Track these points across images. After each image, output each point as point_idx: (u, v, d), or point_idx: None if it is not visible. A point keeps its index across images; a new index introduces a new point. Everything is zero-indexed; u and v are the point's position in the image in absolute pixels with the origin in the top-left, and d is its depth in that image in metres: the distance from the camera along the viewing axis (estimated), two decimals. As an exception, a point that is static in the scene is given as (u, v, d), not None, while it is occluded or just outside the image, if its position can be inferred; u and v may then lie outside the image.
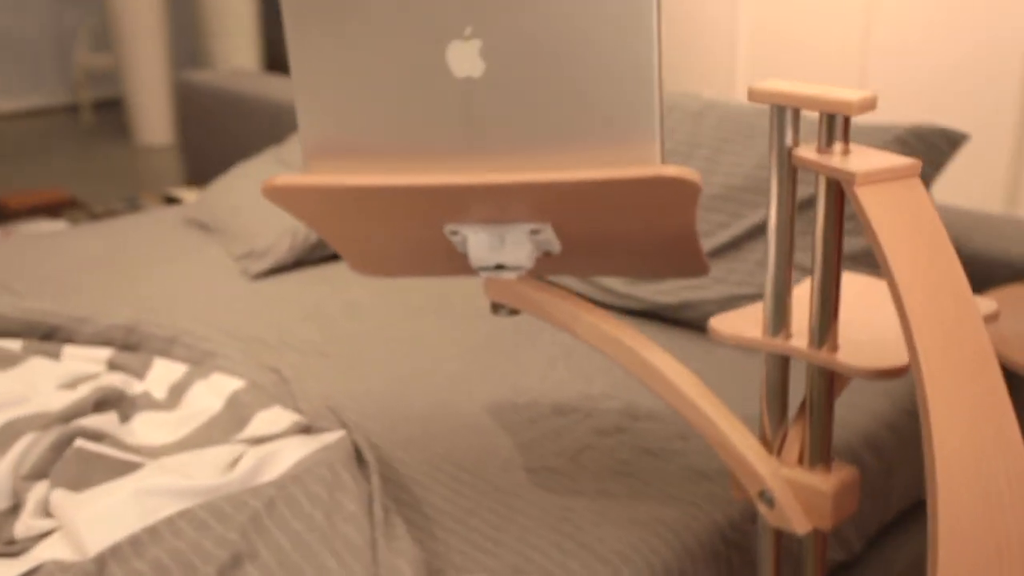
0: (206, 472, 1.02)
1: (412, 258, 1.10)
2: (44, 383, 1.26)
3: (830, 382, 0.89)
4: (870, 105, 0.78)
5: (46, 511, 0.98)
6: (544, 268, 1.11)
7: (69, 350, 1.36)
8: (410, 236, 1.04)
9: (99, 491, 0.97)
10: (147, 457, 1.09)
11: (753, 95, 0.84)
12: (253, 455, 1.04)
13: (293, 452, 1.05)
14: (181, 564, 0.88)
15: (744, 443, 0.91)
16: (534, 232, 1.00)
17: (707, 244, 1.55)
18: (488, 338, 1.52)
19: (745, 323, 0.94)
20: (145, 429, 1.18)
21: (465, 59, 0.90)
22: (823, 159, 0.80)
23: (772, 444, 0.94)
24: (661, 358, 0.95)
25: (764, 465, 0.91)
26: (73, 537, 0.93)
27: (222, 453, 1.05)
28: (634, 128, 0.88)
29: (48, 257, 1.90)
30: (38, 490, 1.00)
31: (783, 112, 0.84)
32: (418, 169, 0.94)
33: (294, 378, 1.38)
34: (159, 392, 1.28)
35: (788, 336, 0.90)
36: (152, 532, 0.91)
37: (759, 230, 1.52)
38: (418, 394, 1.35)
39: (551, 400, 1.35)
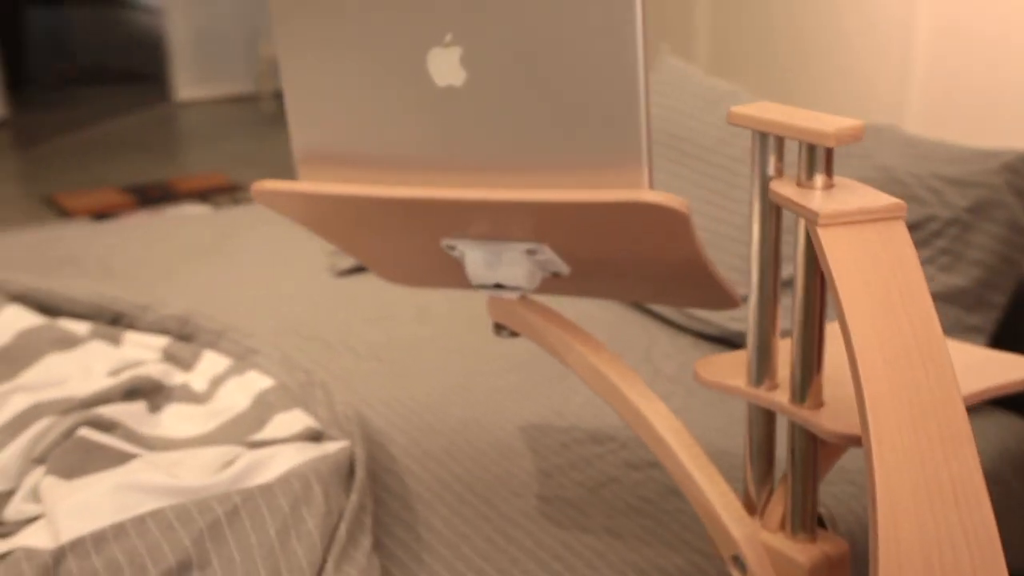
0: (196, 472, 1.02)
1: (418, 269, 1.07)
2: (98, 367, 1.30)
3: (813, 442, 0.79)
4: (849, 136, 0.69)
5: (37, 496, 1.01)
6: (557, 289, 1.05)
7: (130, 336, 1.41)
8: (408, 247, 1.01)
9: (85, 482, 0.99)
10: (160, 450, 1.11)
11: (733, 119, 0.76)
12: (247, 459, 1.04)
13: (287, 459, 1.04)
14: (134, 566, 0.88)
15: (721, 500, 0.83)
16: (531, 252, 0.95)
17: (784, 272, 1.44)
18: (541, 356, 1.47)
19: (732, 369, 0.85)
20: (173, 421, 1.20)
21: (446, 67, 0.85)
22: (796, 194, 0.71)
23: (756, 503, 0.85)
24: (646, 400, 0.88)
25: (740, 527, 0.82)
26: (52, 525, 0.95)
27: (218, 454, 1.05)
28: (619, 150, 0.81)
29: (157, 241, 1.98)
30: (35, 475, 1.03)
31: (765, 139, 0.75)
32: (400, 180, 0.91)
33: (336, 381, 1.38)
34: (200, 384, 1.30)
35: (773, 387, 0.82)
36: (118, 529, 0.91)
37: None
38: (454, 407, 1.32)
39: (590, 426, 1.28)
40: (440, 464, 1.19)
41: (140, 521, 0.92)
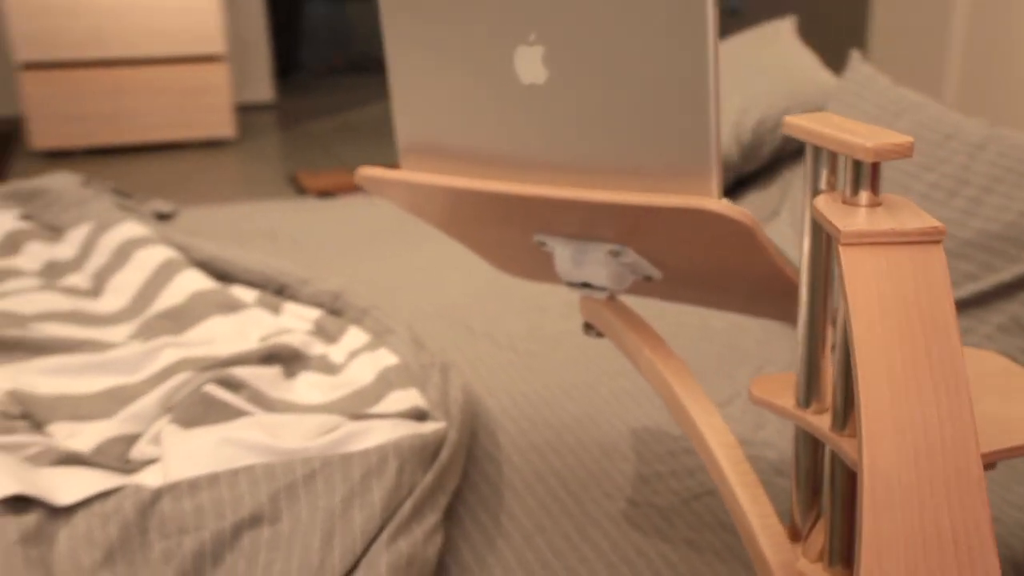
0: (295, 435, 1.09)
1: (517, 261, 1.09)
2: (253, 332, 1.41)
3: (853, 473, 0.75)
4: (892, 152, 0.65)
5: (158, 441, 1.11)
6: (650, 293, 1.04)
7: (289, 306, 1.51)
8: (504, 239, 1.03)
9: (198, 432, 1.08)
10: (278, 412, 1.19)
11: (787, 128, 0.73)
12: (345, 429, 1.10)
13: (381, 434, 1.09)
14: (215, 513, 0.96)
15: (761, 522, 0.80)
16: (614, 254, 0.95)
17: (944, 296, 1.34)
18: (684, 354, 1.45)
19: (785, 388, 0.82)
20: (303, 388, 1.29)
21: (530, 65, 0.87)
22: (832, 209, 0.68)
23: (801, 529, 0.81)
24: (703, 412, 0.86)
25: (776, 553, 0.79)
26: (163, 468, 1.05)
27: (321, 421, 1.12)
28: (689, 157, 0.80)
29: (349, 221, 2.11)
30: (161, 422, 1.13)
31: (819, 152, 0.72)
32: (487, 173, 0.93)
33: (467, 368, 1.42)
34: (338, 357, 1.38)
35: (821, 410, 0.78)
36: (212, 478, 1.00)
37: (1010, 288, 1.29)
38: (572, 404, 1.33)
39: (704, 436, 1.25)
40: (541, 457, 1.21)
41: (232, 474, 1.00)
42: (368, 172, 0.99)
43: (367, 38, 7.97)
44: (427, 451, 1.07)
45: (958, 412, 0.60)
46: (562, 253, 0.98)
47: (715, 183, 0.79)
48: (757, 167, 1.99)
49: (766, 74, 1.98)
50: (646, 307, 1.65)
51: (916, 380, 0.60)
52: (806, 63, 2.01)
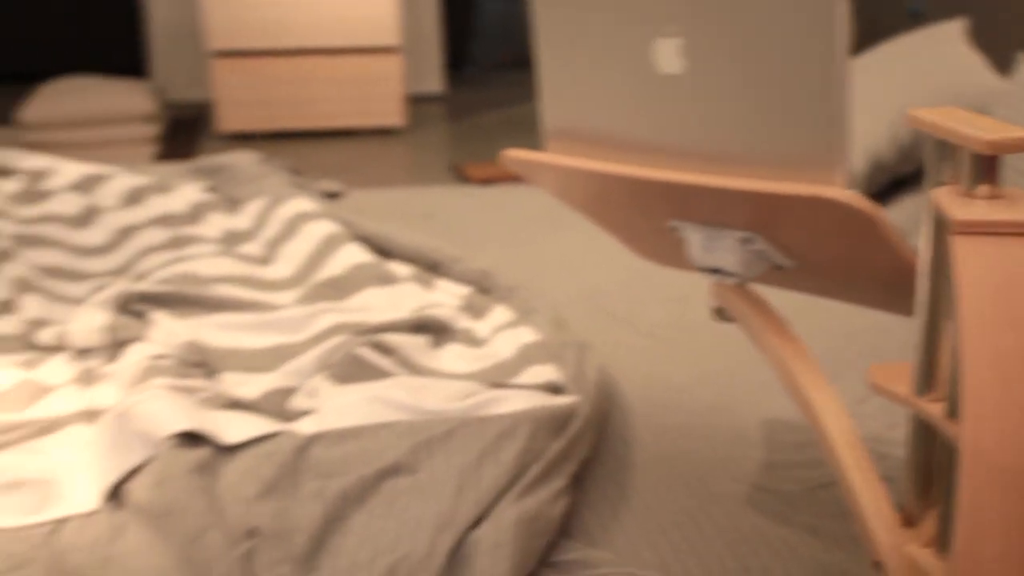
0: (437, 398, 1.17)
1: (654, 245, 1.13)
2: (406, 303, 1.50)
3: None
4: (1011, 146, 0.67)
5: (313, 395, 1.21)
6: (781, 282, 1.07)
7: (441, 283, 1.60)
8: (642, 224, 1.08)
9: (349, 389, 1.18)
10: (423, 377, 1.27)
11: (909, 121, 0.75)
12: (483, 396, 1.17)
13: (517, 402, 1.16)
14: (359, 461, 1.04)
15: (873, 505, 0.82)
16: (745, 241, 0.98)
17: None
18: (825, 353, 1.46)
19: (902, 376, 0.83)
20: (449, 358, 1.37)
21: (668, 56, 0.92)
22: (949, 201, 0.70)
23: (914, 514, 0.83)
24: (822, 395, 0.89)
25: (888, 535, 0.81)
26: (317, 419, 1.14)
27: (461, 387, 1.20)
28: (818, 149, 0.83)
29: (506, 207, 2.19)
30: (317, 378, 1.23)
31: (942, 145, 0.74)
32: (626, 159, 0.98)
33: (606, 351, 1.47)
34: (483, 332, 1.45)
35: (937, 399, 0.79)
36: (358, 431, 1.09)
37: None
38: (708, 391, 1.36)
39: (835, 430, 1.27)
40: (671, 439, 1.25)
41: (377, 427, 1.09)
42: (514, 154, 1.05)
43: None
44: (558, 421, 1.12)
45: (1062, 399, 0.61)
46: (694, 239, 1.02)
47: (840, 173, 0.82)
48: (915, 168, 1.96)
49: (930, 75, 1.94)
50: (791, 305, 1.66)
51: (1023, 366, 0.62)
52: (972, 65, 1.96)
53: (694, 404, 1.33)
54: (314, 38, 4.21)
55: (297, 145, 4.32)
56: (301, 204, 1.80)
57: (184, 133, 4.45)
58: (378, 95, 4.26)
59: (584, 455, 1.14)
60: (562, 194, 1.10)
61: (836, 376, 1.40)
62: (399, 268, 1.63)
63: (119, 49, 5.16)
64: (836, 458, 0.85)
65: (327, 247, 1.64)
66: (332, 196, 2.19)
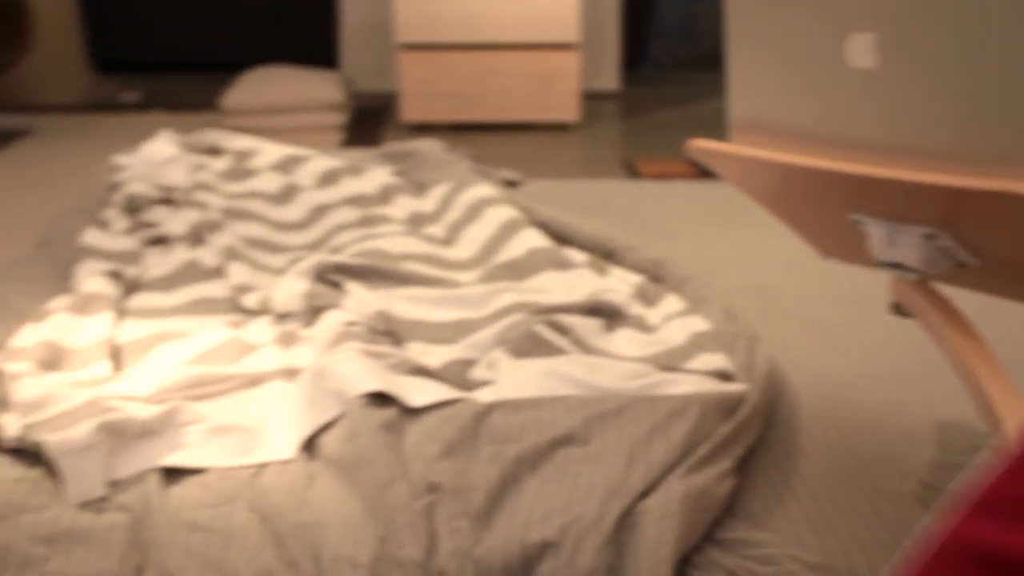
0: (609, 376, 1.22)
1: (834, 240, 1.14)
2: (580, 288, 1.56)
3: None
4: None
5: (492, 367, 1.28)
6: (963, 281, 1.06)
7: (615, 270, 1.65)
8: (823, 217, 1.09)
9: (526, 363, 1.24)
10: (597, 356, 1.32)
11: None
12: (654, 377, 1.21)
13: (687, 386, 1.19)
14: (533, 429, 1.10)
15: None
16: (929, 237, 0.98)
17: None
18: (1008, 359, 1.43)
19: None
20: (620, 341, 1.41)
21: (861, 51, 0.93)
22: None
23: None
24: (1003, 393, 0.89)
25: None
26: (495, 389, 1.21)
27: (633, 368, 1.24)
28: (1015, 142, 0.84)
29: (679, 202, 2.21)
30: (496, 352, 1.30)
31: None
32: (812, 151, 1.00)
33: (774, 345, 1.48)
34: (655, 319, 1.49)
35: (1123, 400, 0.78)
36: (535, 402, 1.15)
37: None
38: (878, 389, 1.36)
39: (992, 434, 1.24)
40: (839, 433, 1.25)
41: (553, 400, 1.15)
42: (701, 144, 1.09)
43: (713, 35, 8.00)
44: (727, 406, 1.15)
45: None
46: (877, 232, 1.03)
47: (1035, 172, 0.82)
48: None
49: None
50: (972, 306, 1.62)
51: None
52: None
53: (863, 401, 1.33)
54: (497, 33, 4.33)
55: (475, 137, 4.45)
56: (483, 190, 1.88)
57: (369, 122, 4.65)
58: (555, 90, 4.33)
59: (751, 441, 1.16)
60: (745, 185, 1.13)
61: (1018, 383, 1.36)
62: (575, 254, 1.69)
63: (314, 41, 5.44)
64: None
65: (507, 231, 1.71)
66: (511, 184, 2.27)
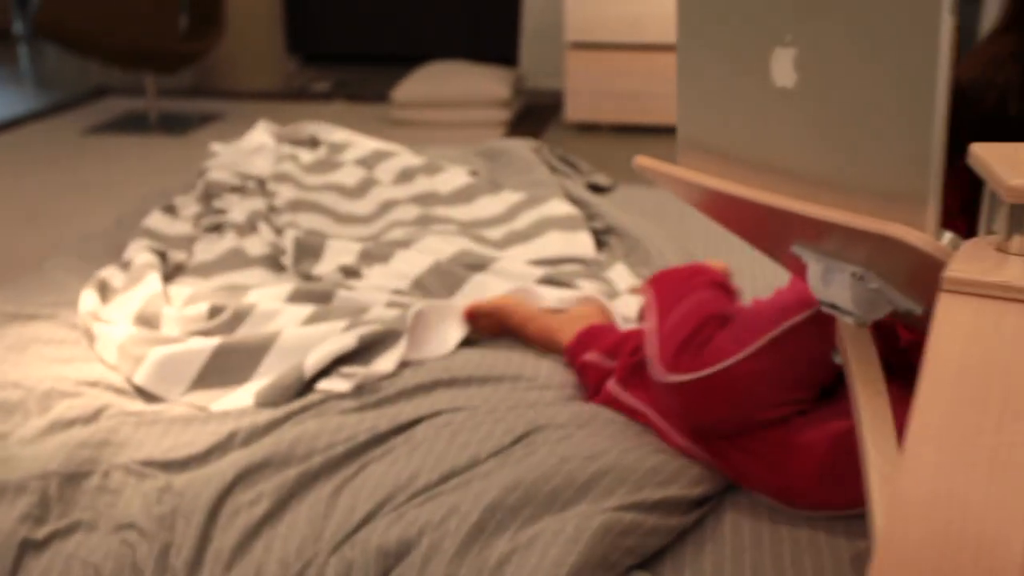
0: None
1: (793, 267, 1.05)
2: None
3: None
4: (1031, 193, 0.56)
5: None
6: (916, 329, 0.95)
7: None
8: (769, 243, 1.00)
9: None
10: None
11: (971, 158, 0.64)
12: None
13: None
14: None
15: None
16: (858, 277, 0.88)
17: None
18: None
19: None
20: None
21: (783, 68, 0.85)
22: (970, 254, 0.59)
23: None
24: (877, 470, 0.79)
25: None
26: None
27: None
28: (909, 183, 0.74)
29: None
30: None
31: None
32: (739, 176, 0.92)
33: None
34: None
35: None
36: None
37: None
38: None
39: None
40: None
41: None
42: (644, 161, 1.02)
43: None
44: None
45: (1011, 502, 0.51)
46: (814, 269, 0.93)
47: (931, 213, 0.72)
48: None
49: None
50: None
51: (971, 455, 0.52)
52: None
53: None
54: (664, 34, 4.24)
55: (636, 138, 4.38)
56: (556, 207, 1.82)
57: (534, 120, 4.66)
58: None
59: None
60: (693, 204, 1.05)
61: None
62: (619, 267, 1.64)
63: (499, 38, 5.52)
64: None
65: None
66: (600, 190, 2.21)
